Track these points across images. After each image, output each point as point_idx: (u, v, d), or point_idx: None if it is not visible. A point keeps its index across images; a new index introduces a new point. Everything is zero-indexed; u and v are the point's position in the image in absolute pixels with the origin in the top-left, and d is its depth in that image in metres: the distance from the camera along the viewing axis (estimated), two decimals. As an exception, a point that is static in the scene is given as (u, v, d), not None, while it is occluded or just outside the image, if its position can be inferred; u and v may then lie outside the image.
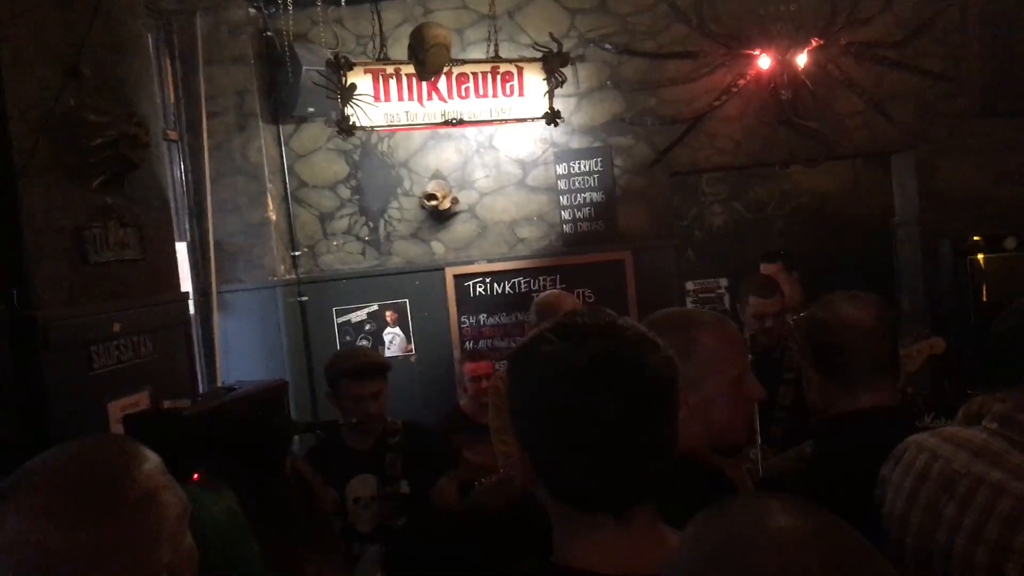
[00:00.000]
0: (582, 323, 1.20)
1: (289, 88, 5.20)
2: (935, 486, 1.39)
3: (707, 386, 1.67)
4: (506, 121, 4.79)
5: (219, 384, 5.12)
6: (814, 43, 5.23)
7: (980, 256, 5.24)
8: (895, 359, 2.07)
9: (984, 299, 5.26)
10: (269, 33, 5.42)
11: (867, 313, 2.04)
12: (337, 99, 4.35)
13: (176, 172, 5.20)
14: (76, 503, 1.14)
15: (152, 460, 1.25)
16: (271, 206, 5.45)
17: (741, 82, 5.36)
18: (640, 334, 1.20)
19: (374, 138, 5.58)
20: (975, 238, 5.23)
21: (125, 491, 1.17)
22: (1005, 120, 5.20)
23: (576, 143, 5.57)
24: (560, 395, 1.16)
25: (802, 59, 5.23)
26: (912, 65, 5.28)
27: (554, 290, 3.83)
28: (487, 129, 5.47)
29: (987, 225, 5.13)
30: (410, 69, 4.40)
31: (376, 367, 3.55)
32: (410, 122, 4.56)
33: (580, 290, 5.49)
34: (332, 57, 4.38)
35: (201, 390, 4.76)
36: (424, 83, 4.43)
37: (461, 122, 4.63)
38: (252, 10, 5.39)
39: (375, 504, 3.50)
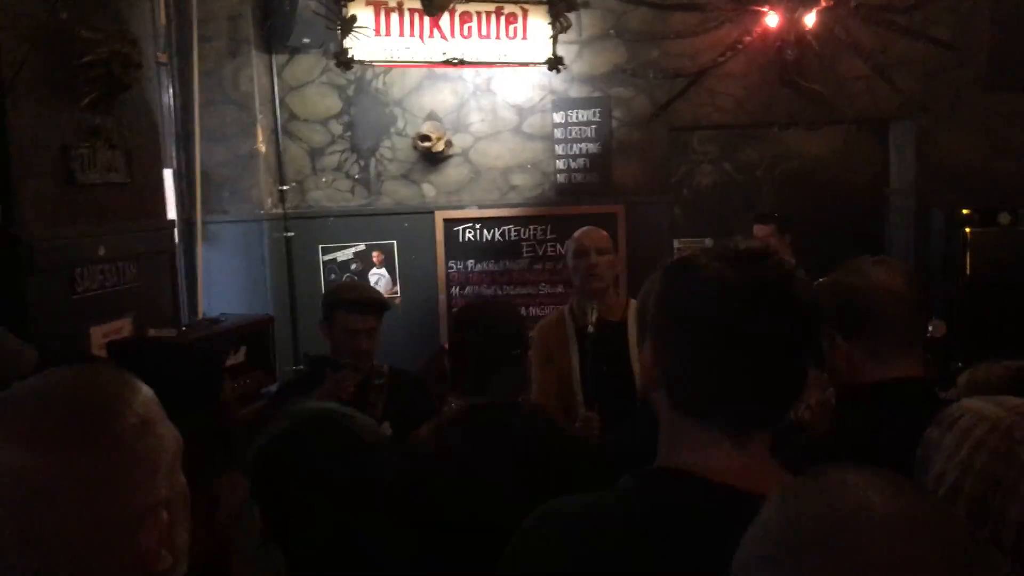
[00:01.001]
0: (739, 249, 1.24)
1: (285, 16, 5.05)
2: (993, 454, 1.36)
3: None
4: (508, 64, 4.70)
5: (200, 315, 5.06)
6: (823, 3, 5.14)
7: (967, 229, 5.23)
8: (925, 329, 2.02)
9: (967, 272, 5.27)
10: (266, -43, 5.25)
11: (900, 279, 1.97)
12: (336, 30, 4.23)
13: (164, 97, 5.06)
14: (66, 428, 1.04)
15: (146, 390, 1.17)
16: (260, 137, 5.33)
17: (747, 39, 5.28)
18: (791, 267, 1.24)
19: (368, 74, 5.44)
20: (964, 211, 5.21)
21: (120, 418, 1.08)
22: (1008, 94, 5.16)
23: (575, 92, 5.47)
24: (710, 310, 1.20)
25: (810, 19, 5.14)
26: (920, 32, 5.21)
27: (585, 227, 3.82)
28: (485, 72, 5.35)
29: (983, 199, 5.11)
30: (413, 3, 4.29)
31: (374, 303, 3.53)
32: (410, 59, 4.45)
33: (570, 241, 5.43)
34: (334, -14, 4.25)
35: (183, 320, 4.70)
36: (426, 20, 4.32)
37: (462, 62, 4.53)
38: (250, -68, 5.21)
39: None
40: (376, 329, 3.51)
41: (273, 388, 4.06)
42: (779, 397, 1.24)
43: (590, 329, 3.35)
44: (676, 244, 7.87)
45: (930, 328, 3.87)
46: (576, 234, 3.66)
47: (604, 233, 3.69)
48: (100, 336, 3.57)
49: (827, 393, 2.62)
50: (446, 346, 4.64)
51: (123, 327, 3.73)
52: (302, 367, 5.09)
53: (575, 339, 3.58)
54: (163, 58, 5.02)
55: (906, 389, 1.94)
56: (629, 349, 3.50)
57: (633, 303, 3.64)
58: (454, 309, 5.58)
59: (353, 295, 3.56)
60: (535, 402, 3.50)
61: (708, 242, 7.99)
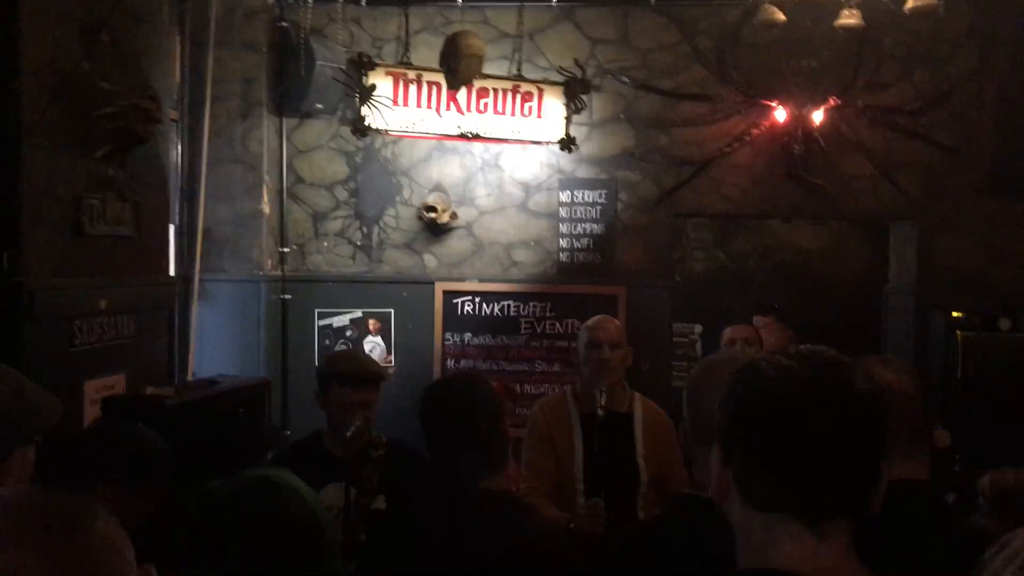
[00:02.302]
0: (802, 350, 1.30)
1: (300, 81, 5.09)
2: None
3: None
4: (522, 141, 4.73)
5: (190, 374, 4.97)
6: (831, 102, 5.23)
7: (959, 333, 5.24)
8: (930, 431, 2.01)
9: (962, 375, 5.26)
10: (284, 24, 5.30)
11: (906, 378, 1.97)
12: (355, 97, 4.24)
13: (172, 153, 5.04)
14: (47, 537, 1.05)
15: (106, 516, 1.15)
16: (266, 199, 5.31)
17: (754, 131, 5.34)
18: (853, 365, 1.28)
19: (378, 142, 5.46)
20: (957, 314, 5.23)
21: (88, 534, 1.09)
22: (1010, 202, 5.22)
23: (583, 172, 5.50)
24: (774, 403, 1.23)
25: (818, 116, 5.22)
26: (924, 135, 5.29)
27: (600, 315, 3.76)
28: (494, 147, 5.38)
29: (984, 303, 5.14)
30: (432, 76, 4.32)
31: (371, 376, 3.39)
32: (426, 130, 4.47)
33: (569, 320, 5.40)
34: (356, 56, 4.28)
35: (176, 378, 4.60)
36: (443, 93, 4.35)
37: (477, 137, 4.56)
38: (270, -2, 5.28)
39: (344, 513, 3.37)
40: (373, 402, 3.39)
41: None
42: (854, 487, 1.25)
43: (599, 412, 3.27)
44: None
45: (934, 438, 3.83)
46: (590, 323, 3.60)
47: (617, 324, 3.64)
48: (93, 391, 3.48)
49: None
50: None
51: (117, 383, 3.64)
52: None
53: (579, 425, 3.50)
54: (174, 115, 5.02)
55: (910, 492, 1.91)
56: (635, 442, 3.44)
57: (639, 396, 3.59)
58: (448, 382, 5.52)
59: (347, 367, 3.38)
60: (524, 484, 3.42)
61: (698, 328, 8.01)
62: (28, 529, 1.05)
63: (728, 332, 4.96)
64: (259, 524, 1.52)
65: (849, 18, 3.37)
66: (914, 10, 3.21)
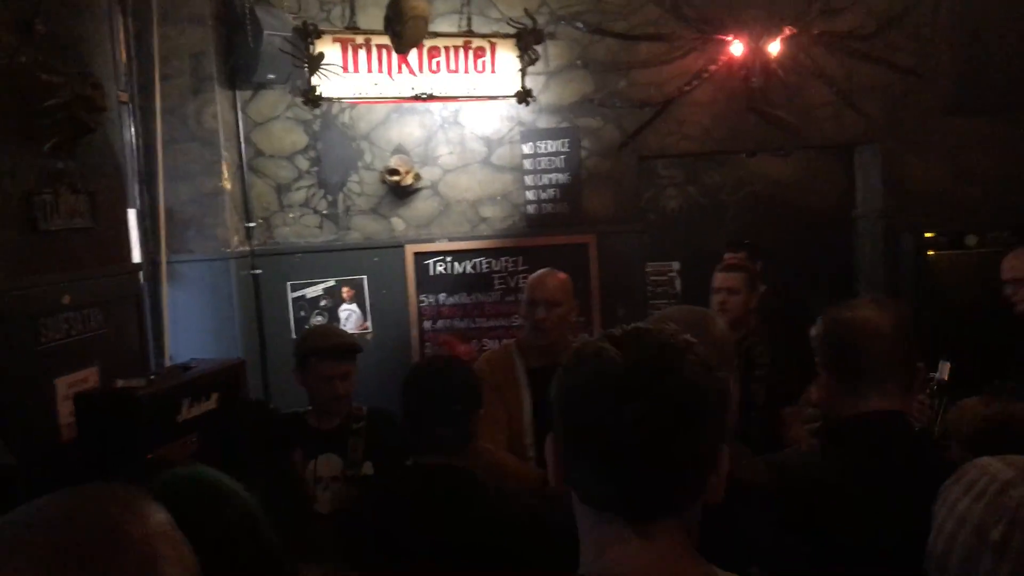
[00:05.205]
0: (632, 330, 1.23)
1: (249, 53, 4.98)
2: (988, 508, 1.39)
3: None
4: (478, 98, 4.68)
5: (167, 359, 4.94)
6: (787, 32, 5.20)
7: (930, 252, 5.28)
8: (909, 365, 2.04)
9: (932, 294, 5.30)
10: (228, -7, 5.18)
11: (886, 317, 2.02)
12: (303, 67, 4.17)
13: (126, 136, 4.96)
14: (68, 567, 0.96)
15: (157, 517, 1.06)
16: (226, 175, 5.24)
17: (712, 67, 5.31)
18: (679, 343, 1.20)
19: (335, 109, 5.38)
20: (927, 234, 5.26)
21: (124, 553, 1.00)
22: (973, 119, 5.23)
23: (543, 123, 5.46)
24: (588, 397, 1.17)
25: (774, 47, 5.19)
26: (882, 58, 5.28)
27: (545, 269, 3.72)
28: (452, 105, 5.32)
29: (951, 222, 5.17)
30: (380, 40, 4.26)
31: (349, 348, 3.54)
32: (379, 95, 4.42)
33: (542, 272, 5.40)
34: (300, 24, 4.20)
35: (151, 366, 4.58)
36: (394, 56, 4.28)
37: (431, 97, 4.51)
38: (211, -31, 5.15)
39: (337, 485, 3.44)
40: (351, 373, 3.51)
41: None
42: (680, 484, 1.17)
43: None
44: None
45: (934, 374, 3.80)
46: (531, 279, 3.61)
47: (559, 280, 3.59)
48: (66, 387, 3.46)
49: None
50: None
51: (89, 377, 3.62)
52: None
53: (526, 379, 3.52)
54: (124, 97, 4.93)
55: (880, 422, 2.00)
56: None
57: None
58: (426, 343, 5.53)
59: (327, 342, 3.54)
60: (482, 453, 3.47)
61: (676, 265, 8.02)
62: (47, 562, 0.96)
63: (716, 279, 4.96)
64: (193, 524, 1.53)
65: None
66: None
